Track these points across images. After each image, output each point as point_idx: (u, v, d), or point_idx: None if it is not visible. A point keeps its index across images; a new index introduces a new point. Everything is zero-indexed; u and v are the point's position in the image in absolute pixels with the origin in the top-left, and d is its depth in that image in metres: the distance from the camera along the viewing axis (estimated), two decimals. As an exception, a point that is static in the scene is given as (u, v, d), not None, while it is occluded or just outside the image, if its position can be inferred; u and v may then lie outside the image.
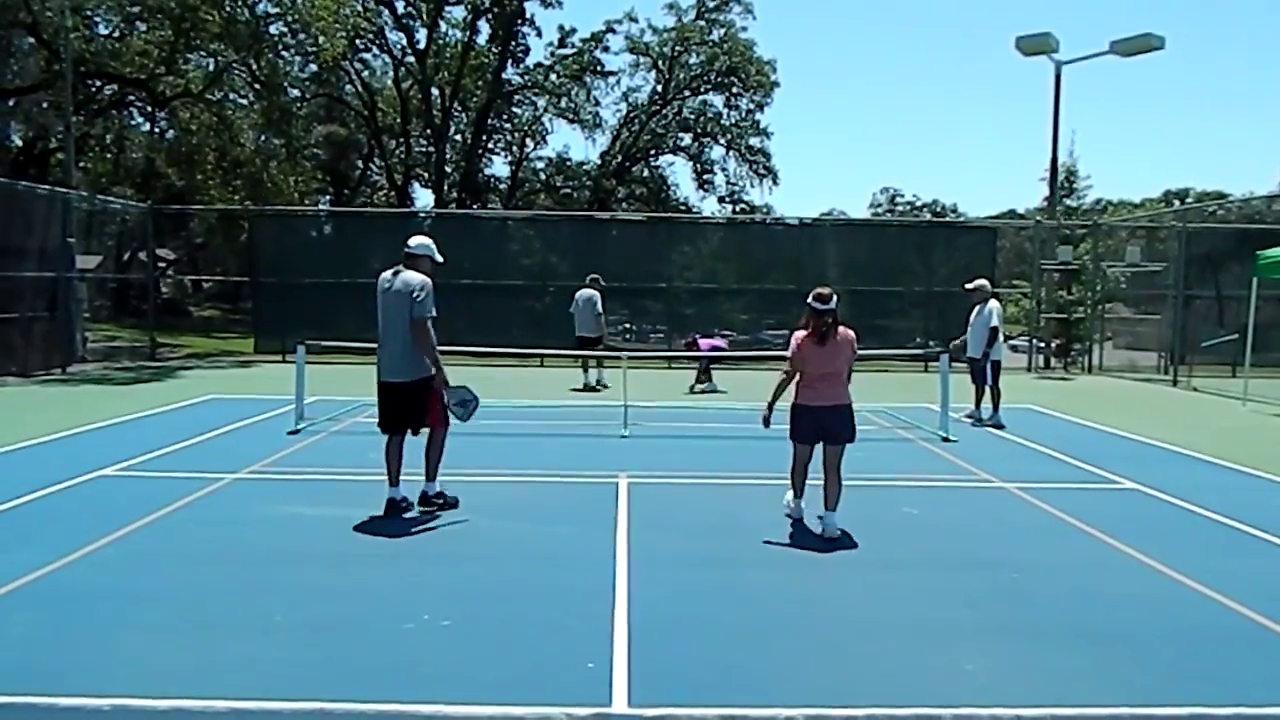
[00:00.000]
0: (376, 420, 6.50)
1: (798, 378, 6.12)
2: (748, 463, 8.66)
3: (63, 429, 9.73)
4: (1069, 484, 7.88)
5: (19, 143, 31.68)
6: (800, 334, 6.12)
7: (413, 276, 6.27)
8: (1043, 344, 21.43)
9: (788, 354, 6.16)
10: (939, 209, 70.35)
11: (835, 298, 6.07)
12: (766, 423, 6.28)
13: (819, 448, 6.17)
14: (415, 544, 5.79)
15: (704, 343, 15.70)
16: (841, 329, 6.12)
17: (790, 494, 6.49)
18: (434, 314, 6.24)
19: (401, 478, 6.43)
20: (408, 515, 6.38)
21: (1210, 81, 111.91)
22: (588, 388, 15.35)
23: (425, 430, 6.50)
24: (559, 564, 5.40)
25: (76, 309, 17.62)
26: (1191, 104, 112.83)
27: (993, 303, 11.43)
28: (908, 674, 3.90)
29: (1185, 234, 18.92)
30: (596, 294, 15.62)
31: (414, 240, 6.51)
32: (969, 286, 11.76)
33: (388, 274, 6.37)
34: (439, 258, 6.52)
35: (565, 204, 42.08)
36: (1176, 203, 40.97)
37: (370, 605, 4.65)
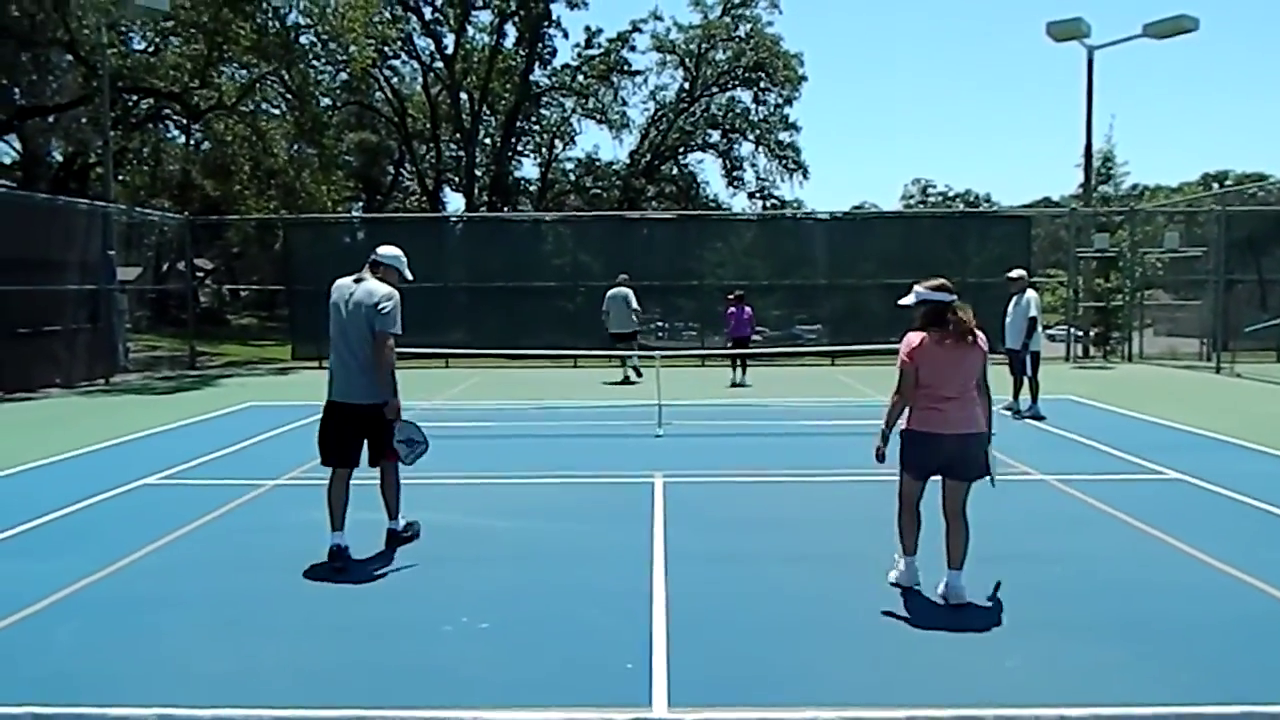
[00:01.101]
0: (319, 456, 5.59)
1: (915, 394, 4.62)
2: (783, 459, 8.62)
3: (106, 439, 9.91)
4: (1110, 475, 7.75)
5: (59, 158, 32.34)
6: (917, 335, 4.59)
7: (378, 286, 5.44)
8: (1081, 333, 21.12)
9: (898, 364, 4.65)
10: (972, 199, 69.60)
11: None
12: (881, 456, 4.76)
13: (923, 485, 4.81)
14: (453, 546, 5.82)
15: (744, 311, 15.96)
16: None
17: (898, 554, 4.92)
18: (400, 331, 5.41)
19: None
20: (451, 524, 6.41)
21: (1246, 61, 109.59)
22: (626, 380, 15.88)
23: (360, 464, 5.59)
24: (596, 565, 5.40)
25: (118, 320, 17.96)
26: (1228, 85, 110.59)
27: (1030, 293, 11.28)
28: (948, 672, 3.85)
29: (1225, 217, 18.52)
30: (630, 291, 16.12)
31: (384, 249, 5.64)
32: (1012, 275, 11.59)
33: (346, 281, 5.53)
34: (409, 275, 5.67)
35: (595, 204, 42.16)
36: (1215, 186, 40.15)
37: (409, 608, 4.68)
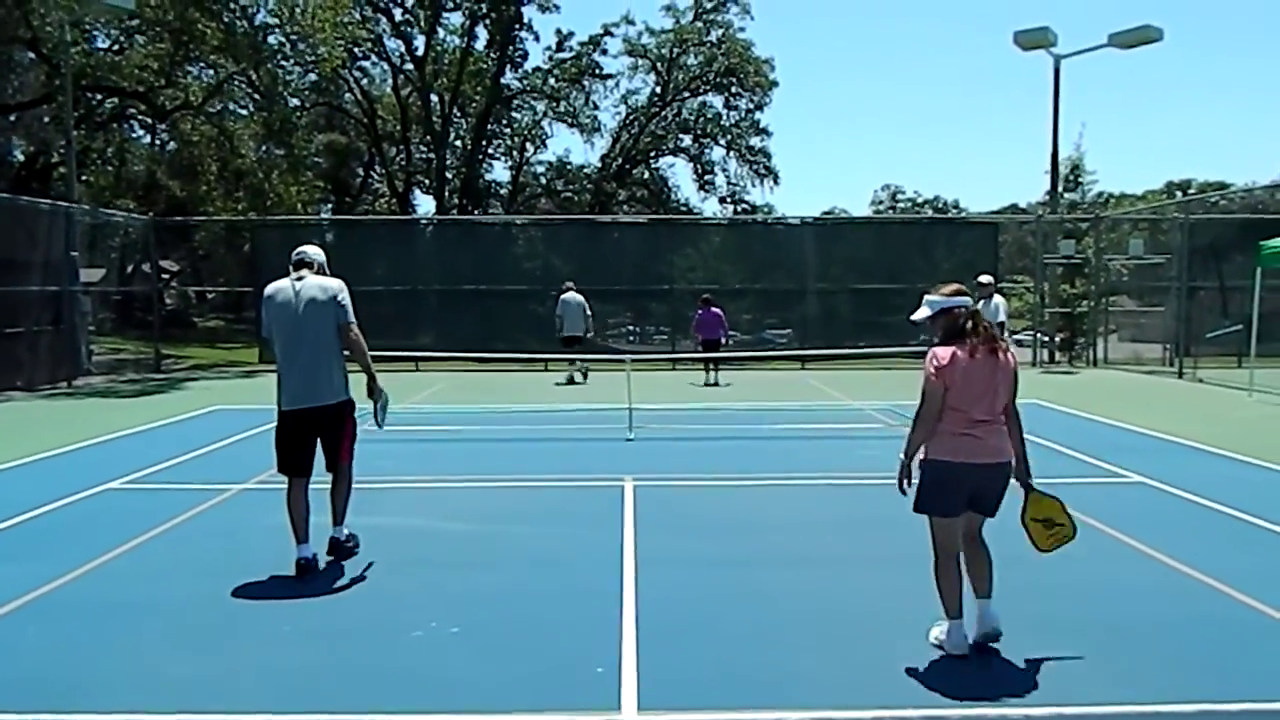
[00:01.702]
0: (276, 464, 5.39)
1: (940, 417, 4.01)
2: (753, 463, 8.66)
3: (69, 443, 9.75)
4: (1075, 479, 7.86)
5: (21, 157, 31.80)
6: (945, 350, 4.00)
7: (327, 280, 5.31)
8: (1047, 338, 21.41)
9: (923, 381, 4.02)
10: (941, 205, 70.32)
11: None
12: (905, 489, 4.12)
13: (961, 526, 4.17)
14: (423, 551, 5.79)
15: (711, 313, 16.44)
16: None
17: (940, 627, 4.16)
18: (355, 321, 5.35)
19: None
20: (419, 527, 6.37)
21: (1210, 72, 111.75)
22: (571, 381, 16.58)
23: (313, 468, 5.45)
24: (566, 568, 5.40)
25: (81, 322, 17.67)
26: (1192, 95, 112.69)
27: (998, 298, 11.46)
28: (918, 673, 3.89)
29: (1188, 225, 18.88)
30: (582, 296, 16.87)
31: (310, 248, 5.49)
32: (981, 280, 11.74)
33: (283, 283, 5.29)
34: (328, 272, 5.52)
35: (566, 208, 42.13)
36: (1179, 194, 40.89)
37: (379, 613, 4.65)
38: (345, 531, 5.59)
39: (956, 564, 4.13)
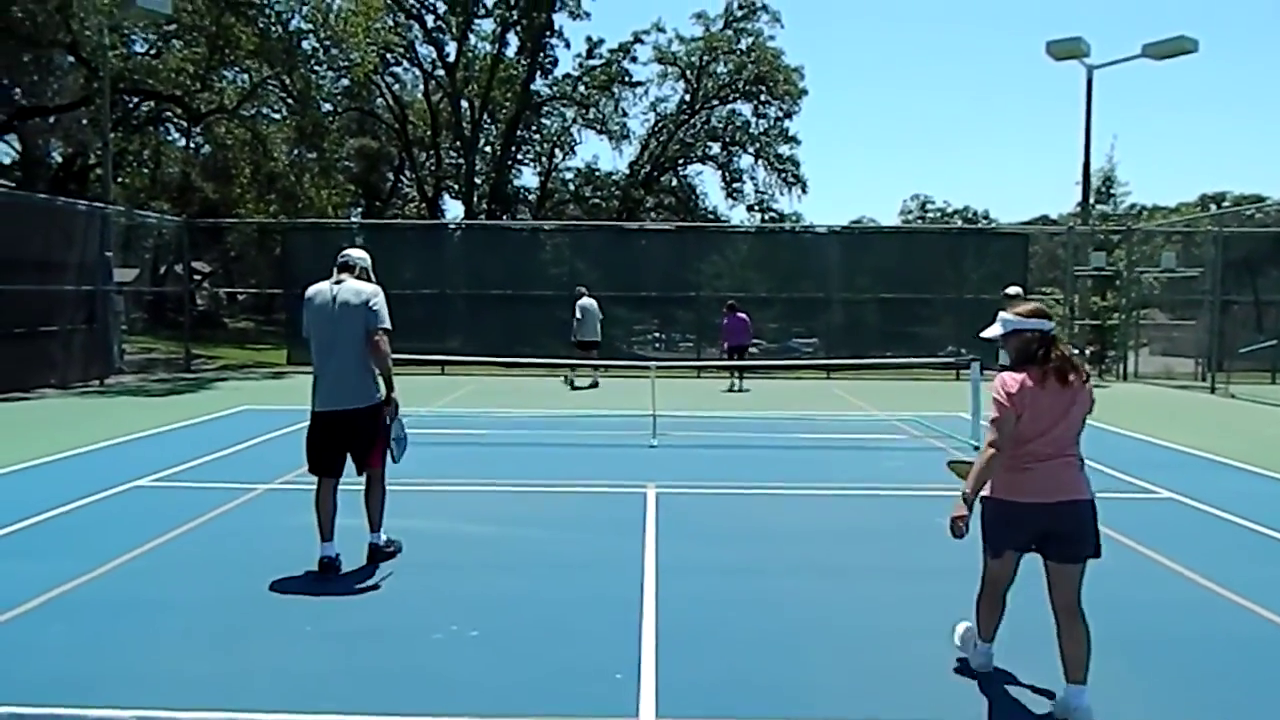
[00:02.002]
0: (306, 465, 5.47)
1: (1022, 430, 3.62)
2: (777, 472, 8.62)
3: (100, 440, 9.89)
4: (1103, 493, 7.68)
5: (59, 159, 32.36)
6: (1015, 377, 3.65)
7: (363, 285, 5.37)
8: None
9: (993, 411, 3.66)
10: (970, 215, 69.80)
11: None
12: (960, 531, 3.62)
13: (1016, 564, 3.86)
14: (444, 554, 5.81)
15: (738, 319, 16.72)
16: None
17: (966, 626, 4.14)
18: (390, 327, 5.34)
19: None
20: (442, 530, 6.40)
21: (1246, 83, 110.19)
22: (591, 385, 16.98)
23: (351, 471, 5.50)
24: (587, 574, 5.40)
25: (114, 321, 17.93)
26: (1227, 106, 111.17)
27: (1026, 310, 11.31)
28: (937, 684, 3.86)
29: (1222, 238, 18.61)
30: (596, 302, 17.25)
31: (354, 251, 5.59)
32: (1009, 292, 11.62)
33: (323, 285, 5.38)
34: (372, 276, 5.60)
35: (594, 214, 42.22)
36: (1213, 206, 40.33)
37: (399, 615, 4.67)
38: (384, 537, 5.60)
39: (1003, 599, 3.94)
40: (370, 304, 5.26)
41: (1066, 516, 3.64)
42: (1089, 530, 3.67)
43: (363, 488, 5.55)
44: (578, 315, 17.05)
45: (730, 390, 16.57)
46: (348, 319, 5.24)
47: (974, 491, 3.63)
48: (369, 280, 5.48)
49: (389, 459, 5.52)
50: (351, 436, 5.36)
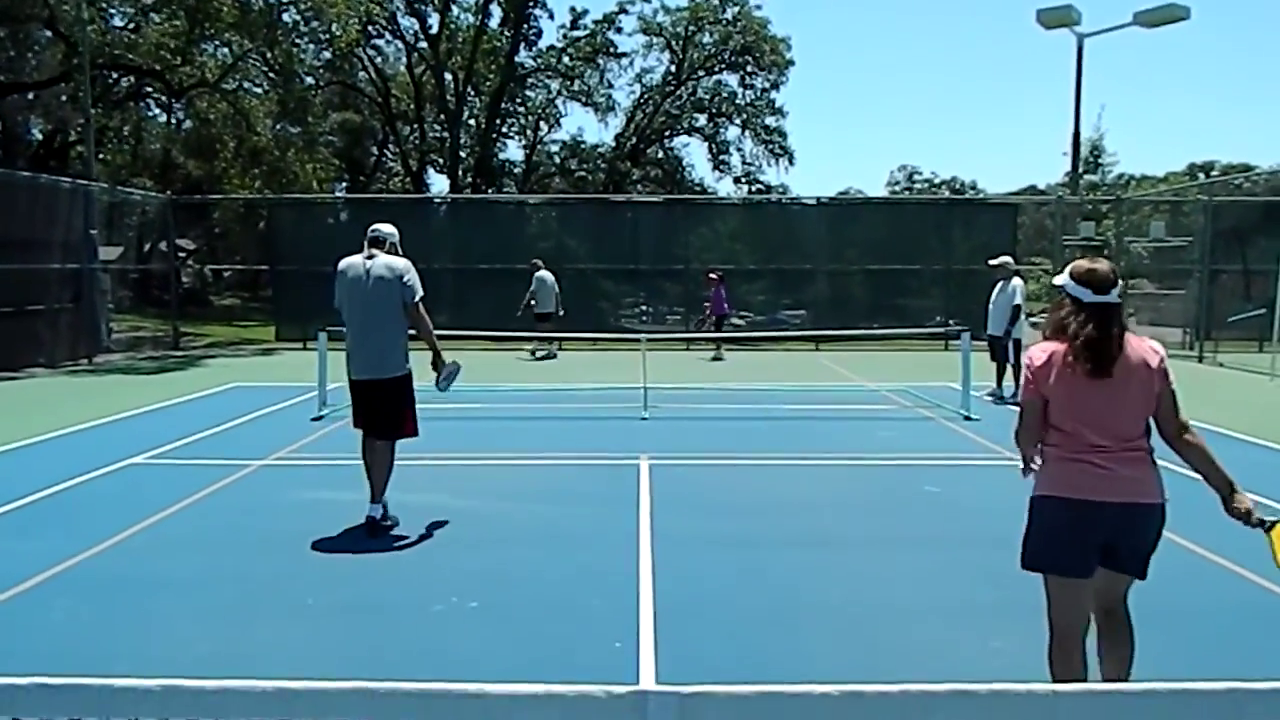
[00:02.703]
0: (351, 420, 5.86)
1: (1048, 434, 3.06)
2: (767, 443, 8.69)
3: (92, 418, 9.86)
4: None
5: (39, 136, 31.93)
6: (1043, 348, 3.05)
7: (394, 259, 5.65)
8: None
9: (1020, 388, 3.18)
10: (958, 186, 69.73)
11: (1118, 283, 3.04)
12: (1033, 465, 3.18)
13: (1088, 593, 3.11)
14: (440, 527, 5.85)
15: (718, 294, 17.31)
16: (1137, 341, 3.02)
17: None
18: (423, 294, 5.68)
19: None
20: (438, 504, 6.43)
21: (1235, 52, 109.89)
22: (548, 356, 17.31)
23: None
24: (583, 546, 5.45)
25: (100, 300, 17.82)
26: (1217, 75, 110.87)
27: (1016, 280, 11.38)
28: (934, 652, 3.93)
29: (1211, 208, 18.69)
30: (552, 275, 17.65)
31: (383, 226, 5.84)
32: (993, 263, 11.71)
33: (356, 259, 5.65)
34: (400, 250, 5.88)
35: (580, 187, 41.98)
36: (1201, 176, 40.40)
37: (398, 588, 4.71)
38: (380, 510, 5.71)
39: (1080, 651, 3.07)
40: (404, 279, 5.56)
41: (1137, 522, 2.98)
42: (1153, 540, 3.05)
43: (416, 460, 5.99)
44: (533, 287, 17.44)
45: (716, 359, 17.08)
46: (382, 293, 5.52)
47: (1030, 453, 3.16)
48: (398, 254, 5.74)
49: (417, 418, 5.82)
50: (385, 403, 5.65)
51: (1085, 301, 2.95)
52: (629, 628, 4.13)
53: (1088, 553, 3.00)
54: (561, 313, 17.68)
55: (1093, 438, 2.94)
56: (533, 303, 17.40)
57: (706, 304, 18.01)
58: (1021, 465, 3.22)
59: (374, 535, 5.58)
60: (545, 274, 17.60)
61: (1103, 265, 3.02)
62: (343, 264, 5.69)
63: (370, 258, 5.63)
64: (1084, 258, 3.15)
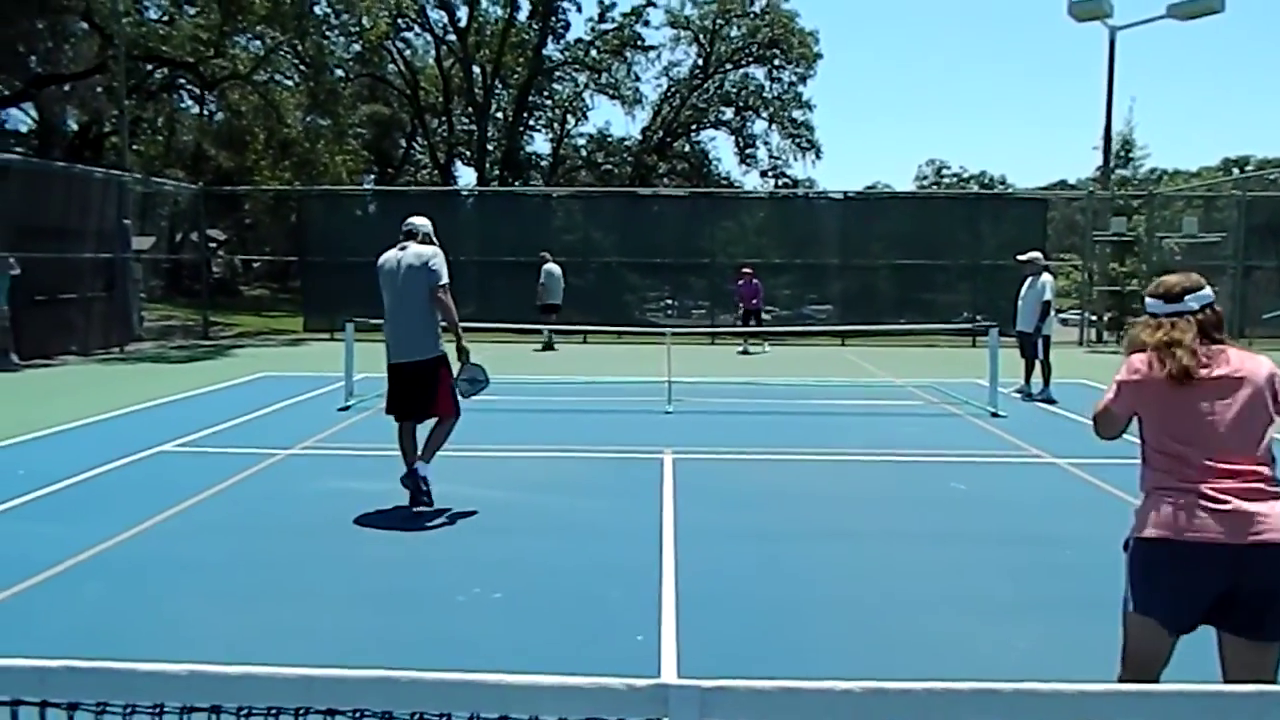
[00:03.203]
0: (385, 407, 6.17)
1: (1150, 463, 2.75)
2: (792, 438, 8.65)
3: (123, 406, 10.00)
4: (1122, 459, 7.72)
5: (75, 127, 32.39)
6: (1140, 357, 2.78)
7: (424, 247, 5.91)
8: (1095, 318, 21.03)
9: (1103, 400, 2.91)
10: (986, 181, 69.07)
11: (1197, 289, 2.78)
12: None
13: (1173, 642, 2.69)
14: (465, 518, 5.88)
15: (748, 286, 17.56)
16: (1241, 353, 2.73)
17: None
18: (448, 279, 5.90)
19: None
20: (464, 495, 6.47)
21: (1272, 44, 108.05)
22: (549, 348, 17.44)
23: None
24: (606, 538, 5.46)
25: (133, 289, 18.07)
26: (1252, 68, 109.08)
27: (1046, 276, 11.23)
28: (958, 650, 3.90)
29: (1245, 203, 18.39)
30: (559, 268, 17.98)
31: (416, 219, 6.13)
32: (1022, 258, 11.57)
33: (392, 252, 5.97)
34: (435, 240, 6.15)
35: (606, 180, 42.02)
36: (1236, 171, 39.78)
37: (423, 578, 4.75)
38: (425, 470, 5.95)
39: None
40: (430, 264, 5.81)
41: (1260, 568, 2.43)
42: None
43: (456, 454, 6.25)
44: (541, 280, 17.64)
45: (746, 353, 17.24)
46: (411, 280, 5.81)
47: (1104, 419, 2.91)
48: (431, 243, 6.01)
49: (457, 397, 6.04)
50: (416, 385, 5.91)
51: (1159, 314, 2.78)
52: (651, 620, 4.14)
53: (1191, 603, 2.56)
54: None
55: (1198, 457, 2.56)
56: (542, 295, 17.69)
57: (739, 300, 18.09)
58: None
59: (405, 487, 5.90)
60: (552, 266, 17.89)
61: (1172, 276, 2.85)
62: (382, 258, 6.00)
63: (403, 249, 5.93)
64: (1186, 273, 2.95)
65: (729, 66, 43.69)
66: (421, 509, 5.90)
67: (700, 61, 43.42)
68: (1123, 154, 22.03)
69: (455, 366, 6.07)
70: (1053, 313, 11.30)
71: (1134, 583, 2.69)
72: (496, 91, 41.78)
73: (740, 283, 17.75)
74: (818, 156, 44.80)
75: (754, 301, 17.74)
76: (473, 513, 5.99)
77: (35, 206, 14.99)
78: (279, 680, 1.35)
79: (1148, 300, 2.86)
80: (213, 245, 33.27)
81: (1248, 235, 18.30)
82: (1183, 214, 21.24)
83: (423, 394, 5.92)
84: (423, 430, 6.07)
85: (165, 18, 28.37)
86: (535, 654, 3.80)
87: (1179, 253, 21.39)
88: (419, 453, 5.98)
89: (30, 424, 8.79)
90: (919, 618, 4.26)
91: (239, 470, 6.99)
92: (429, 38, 41.39)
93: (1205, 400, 2.60)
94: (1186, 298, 2.74)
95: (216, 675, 1.36)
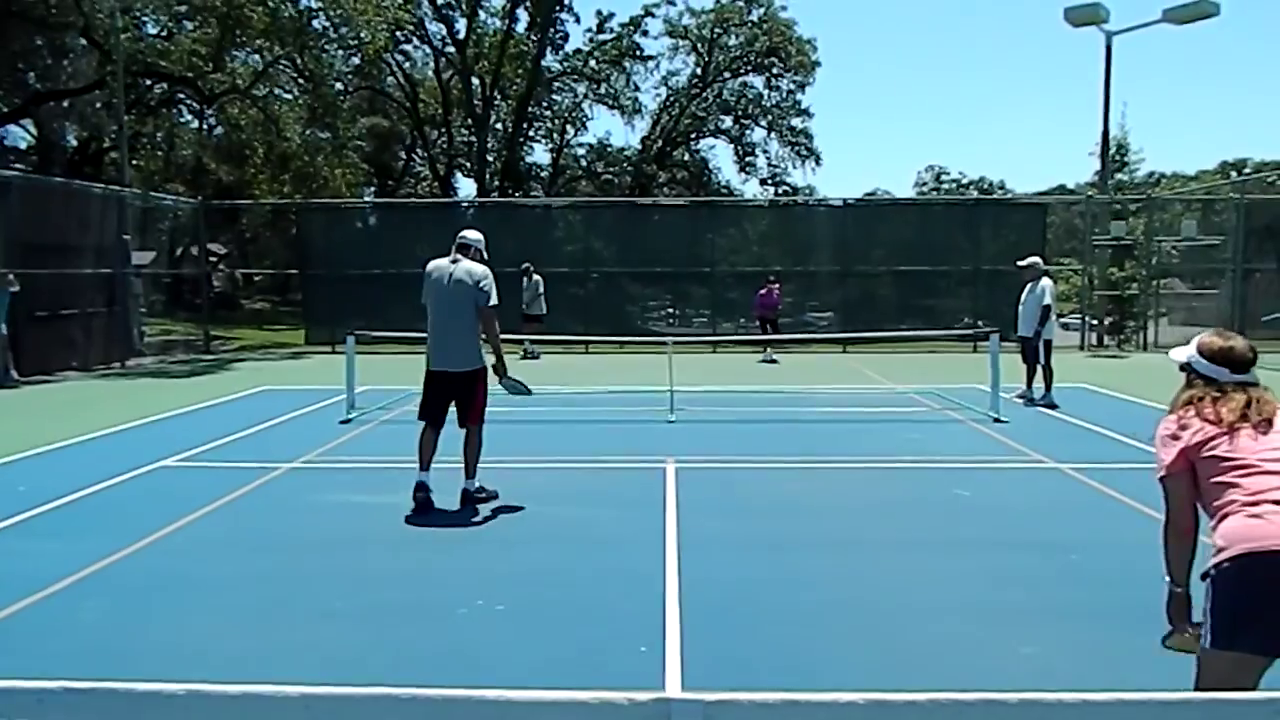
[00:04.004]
0: (418, 411, 6.39)
1: (1212, 501, 2.58)
2: (794, 446, 8.63)
3: (124, 421, 9.99)
4: (1124, 464, 7.73)
5: (74, 143, 32.48)
6: (1174, 416, 2.72)
7: (475, 266, 6.21)
8: (1095, 322, 21.02)
9: (1159, 465, 2.71)
10: (986, 186, 69.11)
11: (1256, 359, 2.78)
12: (1189, 632, 2.74)
13: (1258, 677, 2.46)
14: (467, 530, 5.87)
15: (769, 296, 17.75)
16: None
17: None
18: (498, 303, 6.24)
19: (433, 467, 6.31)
20: (441, 508, 6.46)
21: (1267, 48, 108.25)
22: (531, 356, 17.63)
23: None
24: (609, 548, 5.44)
25: (133, 304, 18.08)
26: (1248, 72, 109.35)
27: (1045, 280, 11.24)
28: (964, 657, 3.88)
29: (1243, 206, 18.39)
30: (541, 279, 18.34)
31: (470, 233, 6.43)
32: (1022, 264, 11.58)
33: (443, 261, 6.26)
34: (485, 254, 6.49)
35: (607, 190, 42.15)
36: (1234, 174, 39.81)
37: (425, 591, 4.73)
38: (475, 484, 6.33)
39: None
40: (481, 285, 6.12)
41: None
42: None
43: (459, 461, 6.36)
44: (527, 290, 17.95)
45: (773, 361, 17.39)
46: (460, 295, 6.11)
47: (1173, 579, 2.73)
48: (482, 260, 6.33)
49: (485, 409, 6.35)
50: (454, 394, 6.22)
51: (1222, 381, 2.67)
52: (655, 630, 4.12)
53: (1272, 627, 2.35)
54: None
55: (1262, 470, 2.44)
56: (525, 305, 17.87)
57: (760, 310, 18.22)
58: (1170, 608, 2.72)
59: (464, 504, 6.22)
60: (537, 277, 18.24)
61: (1239, 342, 2.76)
62: (430, 265, 6.30)
63: (455, 261, 6.22)
64: (1213, 333, 2.89)
65: (727, 75, 43.82)
66: (484, 497, 6.32)
67: (699, 70, 43.57)
68: (1118, 158, 22.07)
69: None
70: (1053, 317, 11.30)
71: (1218, 612, 2.45)
72: (496, 103, 41.92)
73: (763, 292, 17.89)
74: (817, 164, 44.93)
75: (773, 311, 17.97)
76: (474, 524, 5.98)
77: (35, 223, 15.02)
78: (279, 699, 1.34)
79: (1204, 363, 2.74)
80: (213, 259, 33.31)
81: (1246, 238, 18.30)
82: (1181, 217, 21.26)
83: (460, 403, 6.23)
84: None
85: (164, 33, 28.45)
86: (538, 666, 3.78)
87: (1177, 255, 21.43)
88: (464, 470, 6.30)
89: (31, 440, 8.78)
90: (924, 625, 4.24)
91: (240, 485, 6.98)
92: (428, 50, 41.58)
93: (1256, 431, 2.57)
94: (1253, 370, 2.71)
95: (216, 695, 1.35)
